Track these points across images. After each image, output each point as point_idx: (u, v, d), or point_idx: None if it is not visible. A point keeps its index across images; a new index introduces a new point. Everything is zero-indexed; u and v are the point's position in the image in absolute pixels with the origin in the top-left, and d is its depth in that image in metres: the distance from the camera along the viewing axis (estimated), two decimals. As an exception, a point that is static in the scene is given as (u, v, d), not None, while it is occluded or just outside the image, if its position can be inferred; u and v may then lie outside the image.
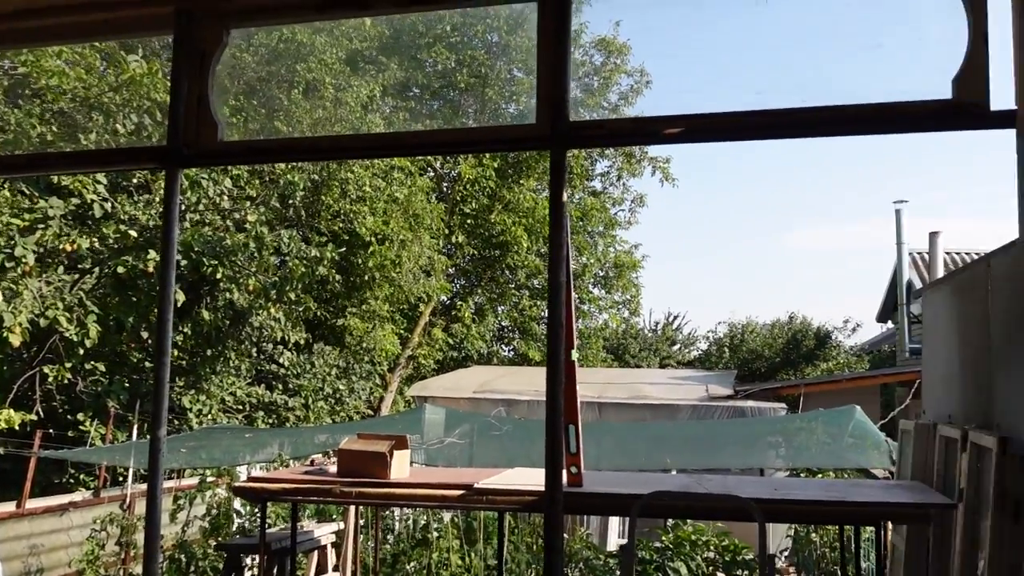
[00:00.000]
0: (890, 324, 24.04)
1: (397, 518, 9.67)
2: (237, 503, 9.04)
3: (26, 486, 9.55)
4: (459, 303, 20.33)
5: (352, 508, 7.71)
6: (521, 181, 19.66)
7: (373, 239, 15.18)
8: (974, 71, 3.12)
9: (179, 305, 11.59)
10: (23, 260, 9.98)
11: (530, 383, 13.14)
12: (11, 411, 10.42)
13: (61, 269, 11.23)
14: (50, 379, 11.31)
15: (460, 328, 19.89)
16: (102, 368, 12.14)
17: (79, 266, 11.92)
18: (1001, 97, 3.22)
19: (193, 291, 12.45)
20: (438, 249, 17.97)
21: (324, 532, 7.69)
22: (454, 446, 8.71)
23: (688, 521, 8.09)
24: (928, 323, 5.61)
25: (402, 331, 18.28)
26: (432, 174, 19.47)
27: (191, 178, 11.91)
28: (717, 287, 46.20)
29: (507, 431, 8.98)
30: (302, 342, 14.60)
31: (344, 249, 14.76)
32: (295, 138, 12.26)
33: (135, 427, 11.07)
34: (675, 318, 29.29)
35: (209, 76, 3.50)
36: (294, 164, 13.82)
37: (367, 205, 15.19)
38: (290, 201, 14.35)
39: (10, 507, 9.17)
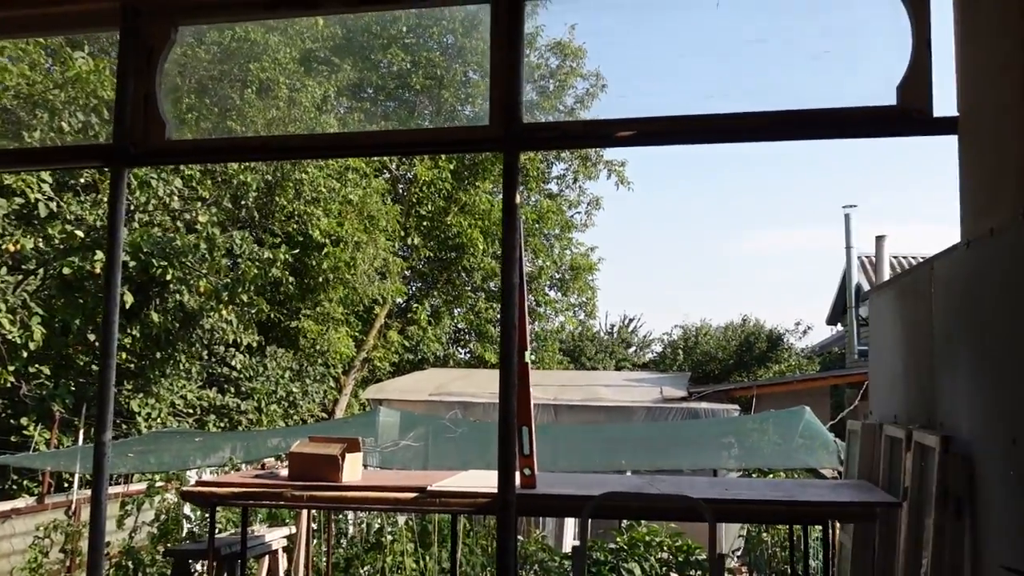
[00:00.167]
0: (840, 327, 24.53)
1: (351, 522, 9.59)
2: (187, 508, 8.89)
3: (-34, 493, 9.29)
4: (415, 305, 20.25)
5: (304, 512, 7.61)
6: (477, 183, 19.65)
7: (327, 241, 15.05)
8: (918, 78, 3.19)
9: (127, 307, 11.36)
10: (-36, 260, 9.71)
11: (486, 386, 13.13)
12: (-49, 416, 10.13)
13: (4, 270, 10.94)
14: (-8, 383, 11.02)
15: (416, 330, 19.82)
16: (47, 371, 11.86)
17: (23, 267, 11.62)
18: (944, 104, 3.30)
19: (142, 293, 12.21)
20: (393, 251, 17.88)
21: (275, 537, 7.58)
22: (409, 449, 8.67)
23: (642, 522, 8.14)
24: (874, 325, 5.72)
25: (357, 333, 18.15)
26: (387, 176, 19.37)
27: (140, 178, 11.69)
28: (671, 290, 46.66)
29: (462, 434, 8.96)
30: (255, 345, 14.41)
31: (298, 251, 14.61)
32: (245, 137, 12.11)
33: (81, 432, 10.83)
34: (630, 321, 29.55)
35: (157, 73, 3.44)
36: (247, 164, 13.64)
37: (321, 207, 15.06)
38: (243, 202, 14.16)
39: (-51, 514, 8.92)
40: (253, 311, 13.89)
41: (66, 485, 10.45)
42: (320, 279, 15.30)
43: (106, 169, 4.04)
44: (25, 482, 11.50)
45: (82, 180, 12.07)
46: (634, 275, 44.53)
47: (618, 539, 7.99)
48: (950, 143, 3.38)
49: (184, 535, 8.69)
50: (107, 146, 3.46)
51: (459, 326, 22.11)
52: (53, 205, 11.00)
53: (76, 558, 8.81)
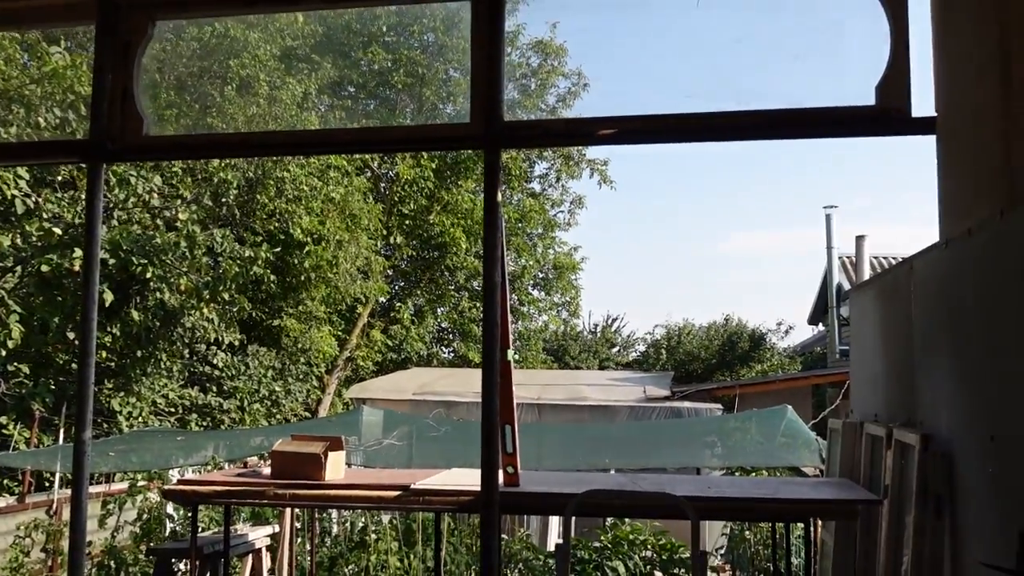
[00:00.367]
0: (821, 327, 24.67)
1: (335, 521, 9.56)
2: (170, 507, 8.83)
3: (-56, 493, 9.19)
4: (398, 304, 20.20)
5: (288, 511, 7.58)
6: (460, 182, 19.62)
7: (309, 239, 14.98)
8: (896, 79, 3.21)
9: (107, 305, 11.27)
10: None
11: (470, 385, 13.12)
12: (-72, 415, 10.01)
13: (-18, 268, 10.84)
14: (-30, 382, 10.91)
15: (399, 330, 19.77)
16: (26, 370, 11.73)
17: (1, 264, 11.50)
18: (923, 104, 3.32)
19: (122, 291, 12.10)
20: (376, 250, 17.82)
21: (259, 535, 7.54)
22: (392, 448, 8.64)
23: (626, 520, 8.16)
24: (855, 325, 5.75)
25: (340, 332, 18.09)
26: (369, 174, 19.31)
27: (119, 175, 11.59)
28: (655, 289, 46.82)
29: (445, 432, 8.94)
30: (236, 343, 14.33)
31: (279, 249, 14.53)
32: (224, 134, 12.04)
33: (61, 430, 10.73)
34: (614, 320, 29.61)
35: (134, 68, 3.41)
36: (227, 162, 13.56)
37: (303, 205, 14.98)
38: (223, 199, 14.07)
39: (-73, 514, 8.81)
40: (235, 309, 13.81)
41: (47, 484, 10.35)
42: (302, 278, 15.24)
43: (83, 165, 3.99)
44: (5, 481, 11.38)
45: (60, 177, 11.95)
46: (617, 274, 44.66)
47: (602, 537, 8.00)
48: (930, 143, 3.41)
49: (167, 534, 8.63)
50: (84, 142, 3.43)
51: (442, 325, 22.09)
52: (31, 202, 10.89)
53: (57, 558, 8.73)
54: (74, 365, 12.07)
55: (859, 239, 18.18)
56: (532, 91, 21.14)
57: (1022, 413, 2.52)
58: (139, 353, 12.97)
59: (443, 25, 19.76)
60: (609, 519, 8.28)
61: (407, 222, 19.70)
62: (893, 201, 45.55)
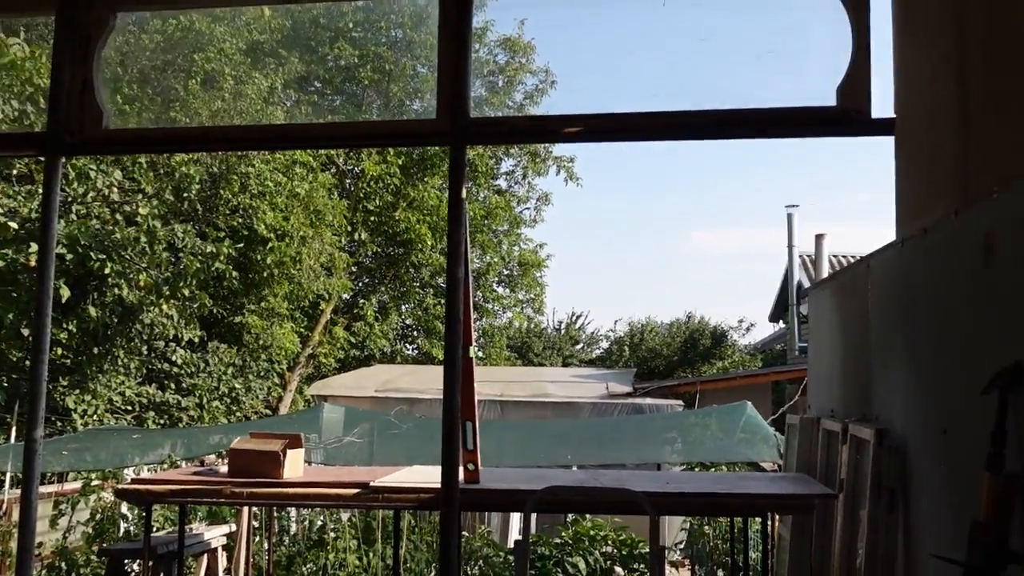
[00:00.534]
0: (782, 324, 24.97)
1: (293, 519, 9.48)
2: (124, 507, 8.69)
3: None
4: (362, 301, 20.08)
5: (245, 509, 7.50)
6: (426, 179, 19.55)
7: (272, 235, 14.83)
8: (857, 81, 3.26)
9: (64, 301, 11.06)
10: None
11: (432, 382, 13.08)
12: None
13: (-67, 262, 10.57)
14: (-81, 378, 10.65)
15: (363, 327, 19.65)
16: (-22, 367, 11.49)
17: (-47, 259, 11.24)
18: (884, 105, 3.37)
19: (79, 286, 11.88)
20: (340, 246, 17.69)
21: (215, 535, 7.45)
22: (353, 445, 8.59)
23: (587, 517, 8.20)
24: (813, 322, 5.83)
25: (302, 329, 17.94)
26: (335, 170, 19.16)
27: (78, 168, 11.37)
28: (618, 287, 47.09)
29: (407, 430, 8.91)
30: (196, 340, 14.14)
31: (242, 245, 14.36)
32: (185, 128, 11.88)
33: (13, 429, 10.51)
34: (578, 317, 29.73)
35: (94, 61, 3.35)
36: (190, 156, 13.38)
37: (267, 200, 14.83)
38: (185, 194, 13.87)
39: None
40: (195, 306, 13.62)
41: (-3, 484, 10.15)
42: (265, 274, 15.07)
43: (41, 158, 3.92)
44: (-46, 481, 11.13)
45: (15, 171, 11.71)
46: (581, 272, 44.84)
47: (563, 533, 8.04)
48: (891, 143, 3.47)
49: (120, 534, 8.49)
50: (41, 134, 3.36)
51: (407, 322, 21.99)
52: (-15, 195, 10.66)
53: (6, 560, 8.56)
54: (28, 362, 11.82)
55: (819, 238, 18.43)
56: (500, 88, 21.10)
57: (972, 408, 2.58)
58: (96, 350, 12.74)
59: (411, 21, 19.66)
60: (570, 515, 8.32)
61: (372, 218, 19.58)
62: (854, 200, 46.29)
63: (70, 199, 11.61)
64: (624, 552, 7.93)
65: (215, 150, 12.64)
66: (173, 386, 14.53)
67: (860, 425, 3.87)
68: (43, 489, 8.85)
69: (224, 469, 5.30)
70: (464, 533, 8.27)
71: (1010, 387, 2.36)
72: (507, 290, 23.28)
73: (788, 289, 20.05)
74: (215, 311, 15.19)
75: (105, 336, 12.67)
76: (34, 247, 10.36)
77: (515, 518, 9.66)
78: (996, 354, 2.47)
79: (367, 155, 18.57)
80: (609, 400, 12.81)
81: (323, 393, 13.47)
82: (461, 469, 3.83)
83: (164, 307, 12.54)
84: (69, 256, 11.02)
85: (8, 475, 9.39)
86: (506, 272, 22.88)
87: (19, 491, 8.67)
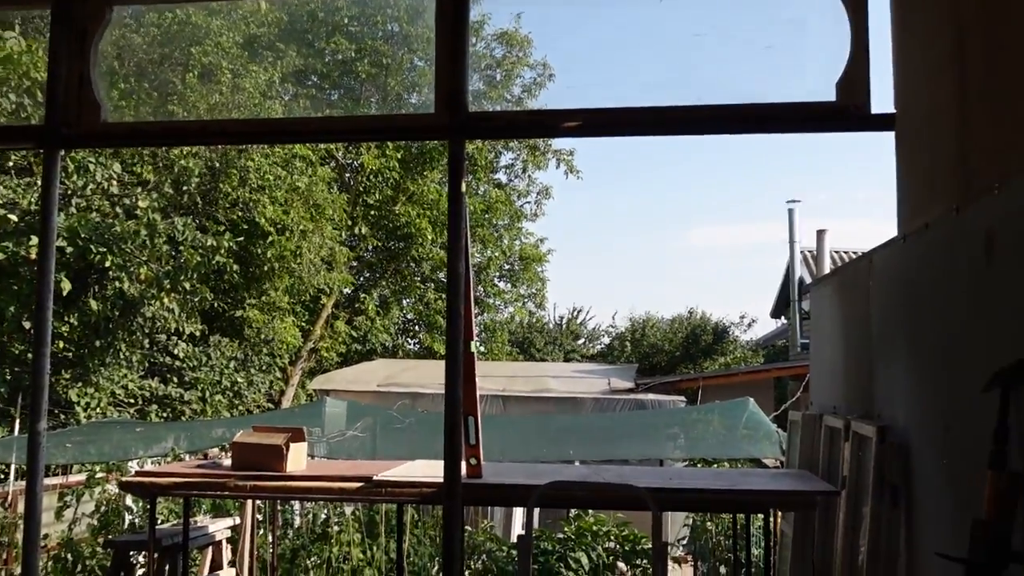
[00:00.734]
0: (783, 320, 24.95)
1: (297, 512, 9.49)
2: (129, 500, 8.71)
3: None
4: (363, 295, 20.08)
5: (249, 503, 7.51)
6: (425, 173, 19.53)
7: (273, 229, 14.83)
8: (856, 76, 3.25)
9: (65, 294, 11.07)
10: None
11: (434, 376, 13.09)
12: None
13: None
14: (-79, 371, 10.67)
15: (364, 321, 19.66)
16: (-21, 360, 11.52)
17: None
18: (883, 100, 3.36)
19: (80, 279, 11.89)
20: (340, 240, 17.69)
21: (219, 527, 7.46)
22: (356, 439, 8.61)
23: (590, 512, 8.20)
24: (814, 318, 5.82)
25: (304, 323, 17.95)
26: (334, 164, 19.15)
27: (78, 162, 11.37)
28: (620, 282, 47.07)
29: (410, 424, 8.93)
30: (198, 334, 14.15)
31: (243, 238, 14.37)
32: (182, 121, 11.86)
33: (17, 422, 10.53)
34: (579, 312, 29.70)
35: (91, 54, 3.34)
36: (189, 149, 13.37)
37: (267, 194, 14.82)
38: (185, 188, 13.86)
39: None
40: (196, 299, 13.63)
41: (2, 476, 10.17)
42: (265, 268, 15.08)
43: (40, 151, 3.92)
44: (-42, 473, 11.16)
45: (10, 163, 11.70)
46: (582, 266, 44.81)
47: (566, 529, 8.04)
48: (891, 139, 3.45)
49: (125, 527, 8.51)
50: (39, 127, 3.36)
51: (408, 317, 21.99)
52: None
53: (12, 550, 8.59)
54: (30, 355, 11.84)
55: (820, 233, 18.39)
56: (497, 82, 21.07)
57: (975, 404, 2.57)
58: (97, 343, 12.77)
59: (406, 15, 19.63)
60: (573, 511, 8.32)
61: (372, 212, 19.57)
62: (855, 195, 46.23)
63: (70, 192, 11.62)
64: (627, 548, 7.93)
65: (214, 143, 12.64)
66: (175, 379, 14.56)
67: (862, 422, 3.86)
68: (48, 481, 8.87)
69: (227, 462, 5.31)
70: (467, 528, 8.29)
71: (1012, 384, 2.36)
72: (508, 285, 23.27)
73: (790, 285, 20.00)
74: (216, 305, 15.20)
75: (106, 329, 12.69)
76: (34, 240, 10.37)
77: (518, 513, 9.67)
78: (998, 351, 2.46)
79: (366, 149, 18.55)
80: (611, 396, 12.81)
81: (325, 387, 13.49)
82: (464, 464, 3.83)
83: (165, 300, 12.55)
84: (69, 249, 11.03)
85: (13, 467, 9.42)
86: (507, 266, 22.87)
87: (24, 483, 8.71)
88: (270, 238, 14.75)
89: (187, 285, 12.62)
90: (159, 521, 7.44)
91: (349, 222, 18.55)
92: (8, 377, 11.58)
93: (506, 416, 12.00)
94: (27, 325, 11.26)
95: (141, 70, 14.66)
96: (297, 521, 9.42)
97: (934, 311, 3.11)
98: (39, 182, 10.97)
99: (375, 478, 4.68)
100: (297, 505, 9.27)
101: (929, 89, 3.18)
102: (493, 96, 20.55)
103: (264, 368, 16.33)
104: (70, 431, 10.39)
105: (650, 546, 7.83)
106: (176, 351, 14.47)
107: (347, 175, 20.01)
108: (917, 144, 3.29)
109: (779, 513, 5.69)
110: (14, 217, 10.76)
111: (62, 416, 12.35)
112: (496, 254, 21.85)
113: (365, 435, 8.68)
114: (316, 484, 4.88)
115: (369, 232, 19.43)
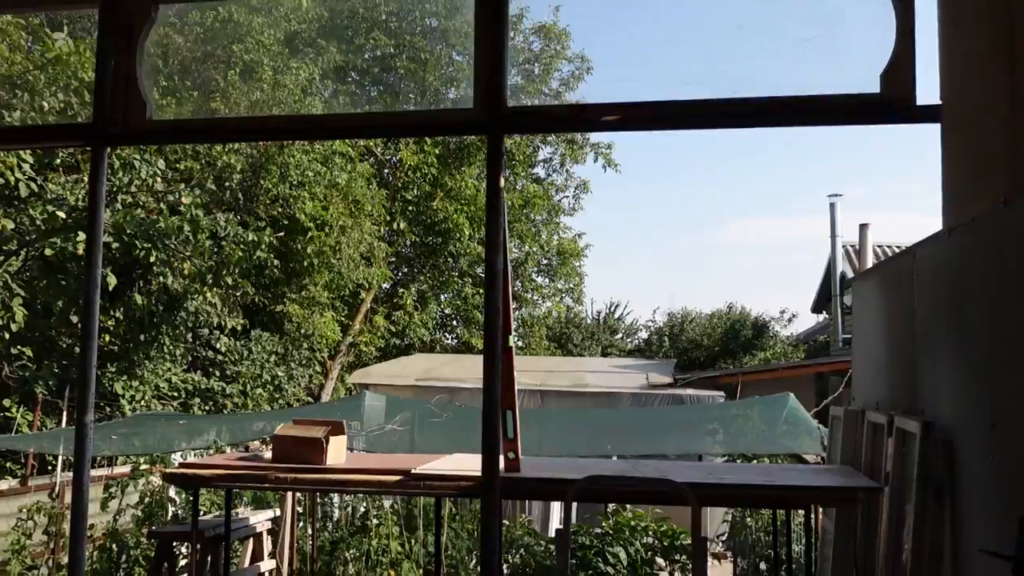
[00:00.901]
0: (825, 315, 24.64)
1: (336, 505, 9.59)
2: (172, 491, 8.86)
3: (-52, 475, 9.23)
4: (401, 290, 20.21)
5: (289, 495, 7.61)
6: (463, 168, 19.58)
7: (312, 225, 14.98)
8: (901, 66, 3.19)
9: (111, 289, 11.29)
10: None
11: (473, 371, 13.14)
12: (-68, 398, 10.05)
13: (-15, 251, 10.86)
14: (-26, 365, 10.96)
15: (402, 316, 19.78)
16: (29, 353, 11.77)
17: (4, 248, 11.52)
18: (929, 92, 3.30)
19: (125, 274, 12.12)
20: (379, 236, 17.81)
21: (260, 519, 7.58)
22: (395, 433, 8.66)
23: (628, 507, 8.18)
24: (857, 313, 5.74)
25: (343, 318, 18.11)
26: (373, 160, 19.27)
27: (123, 159, 11.58)
28: (658, 276, 46.78)
29: (448, 418, 8.96)
30: (239, 328, 14.35)
31: (283, 234, 14.54)
32: (224, 118, 12.01)
33: (64, 413, 10.77)
34: (617, 307, 29.59)
35: (137, 53, 3.40)
36: (231, 146, 13.55)
37: (307, 190, 14.98)
38: (227, 184, 14.06)
39: (-69, 496, 8.86)
40: (238, 294, 13.83)
41: (49, 467, 10.39)
42: (305, 263, 15.25)
43: (87, 149, 4.00)
44: (8, 464, 11.44)
45: (58, 160, 11.94)
46: (620, 261, 44.62)
47: (604, 523, 8.03)
48: (936, 131, 3.39)
49: (168, 518, 8.66)
50: (87, 125, 3.42)
51: (445, 311, 22.08)
52: (34, 185, 10.89)
53: (60, 540, 8.77)
54: (77, 348, 12.10)
55: (863, 227, 18.14)
56: (535, 76, 21.03)
57: (1023, 402, 2.52)
58: (142, 337, 13.01)
59: (444, 10, 19.68)
60: (611, 505, 8.30)
61: (410, 208, 19.68)
62: (898, 189, 45.42)
63: (115, 189, 11.84)
64: (665, 543, 7.89)
65: (255, 140, 12.79)
66: (217, 373, 14.78)
67: (906, 418, 3.80)
68: (94, 473, 9.05)
69: (268, 455, 5.38)
70: (505, 521, 8.31)
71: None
72: (546, 279, 23.25)
73: (831, 279, 19.75)
74: (257, 299, 15.41)
75: (151, 323, 12.93)
76: (81, 236, 10.59)
77: (556, 507, 9.67)
78: (1048, 346, 2.41)
79: (404, 145, 18.65)
80: (649, 391, 12.76)
81: (364, 381, 13.60)
82: (501, 458, 3.84)
83: (208, 295, 12.75)
84: (115, 245, 11.24)
85: (60, 458, 9.62)
86: (545, 261, 22.84)
87: (71, 474, 8.90)
88: (310, 234, 14.91)
89: (229, 280, 12.81)
90: (202, 512, 7.56)
91: (388, 217, 18.68)
92: (56, 370, 11.84)
93: (543, 410, 12.00)
94: (75, 319, 11.51)
95: (184, 68, 14.89)
96: (336, 514, 9.50)
97: (981, 306, 3.05)
98: (86, 179, 11.20)
99: (414, 471, 4.71)
100: (336, 498, 9.36)
101: (977, 78, 3.12)
102: (531, 90, 20.54)
103: (304, 362, 16.52)
104: (115, 423, 10.60)
105: (689, 541, 7.79)
106: (218, 345, 14.69)
107: (385, 171, 20.13)
108: (964, 135, 3.23)
109: (820, 510, 5.63)
110: (62, 214, 10.99)
111: (107, 408, 12.60)
112: (534, 249, 21.84)
113: (404, 429, 8.72)
114: (355, 477, 4.92)
115: (407, 227, 19.54)
